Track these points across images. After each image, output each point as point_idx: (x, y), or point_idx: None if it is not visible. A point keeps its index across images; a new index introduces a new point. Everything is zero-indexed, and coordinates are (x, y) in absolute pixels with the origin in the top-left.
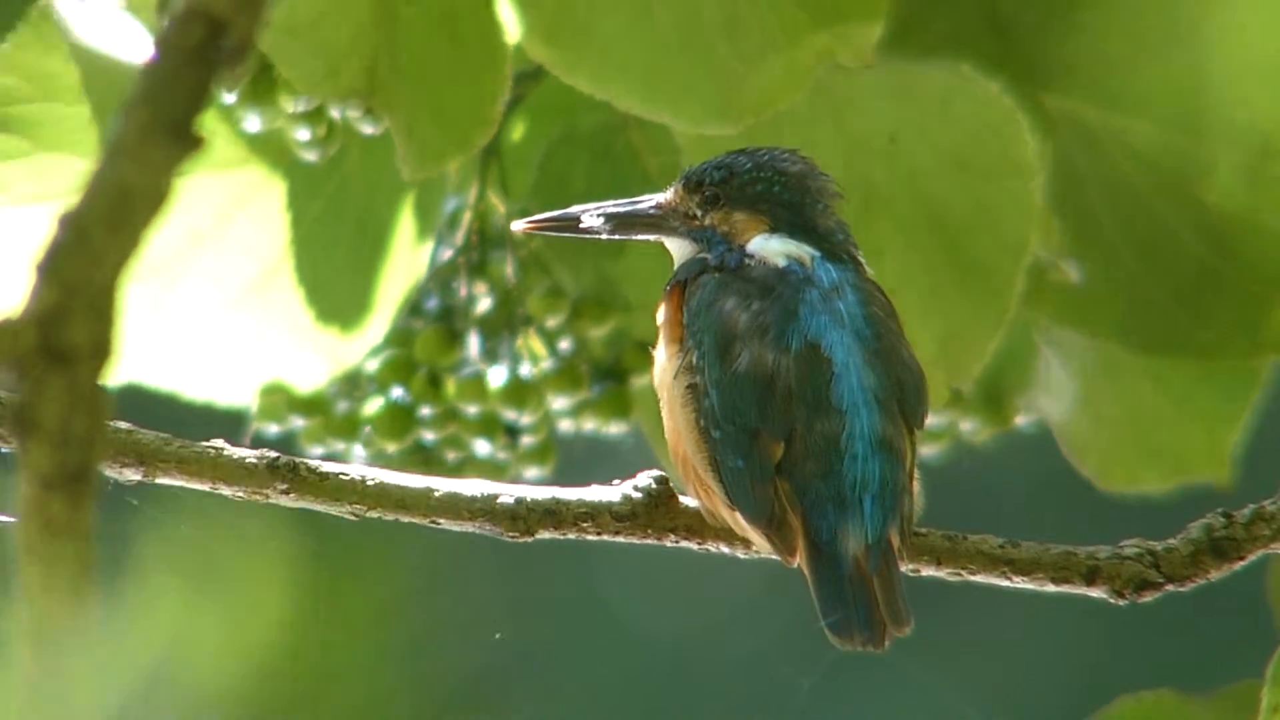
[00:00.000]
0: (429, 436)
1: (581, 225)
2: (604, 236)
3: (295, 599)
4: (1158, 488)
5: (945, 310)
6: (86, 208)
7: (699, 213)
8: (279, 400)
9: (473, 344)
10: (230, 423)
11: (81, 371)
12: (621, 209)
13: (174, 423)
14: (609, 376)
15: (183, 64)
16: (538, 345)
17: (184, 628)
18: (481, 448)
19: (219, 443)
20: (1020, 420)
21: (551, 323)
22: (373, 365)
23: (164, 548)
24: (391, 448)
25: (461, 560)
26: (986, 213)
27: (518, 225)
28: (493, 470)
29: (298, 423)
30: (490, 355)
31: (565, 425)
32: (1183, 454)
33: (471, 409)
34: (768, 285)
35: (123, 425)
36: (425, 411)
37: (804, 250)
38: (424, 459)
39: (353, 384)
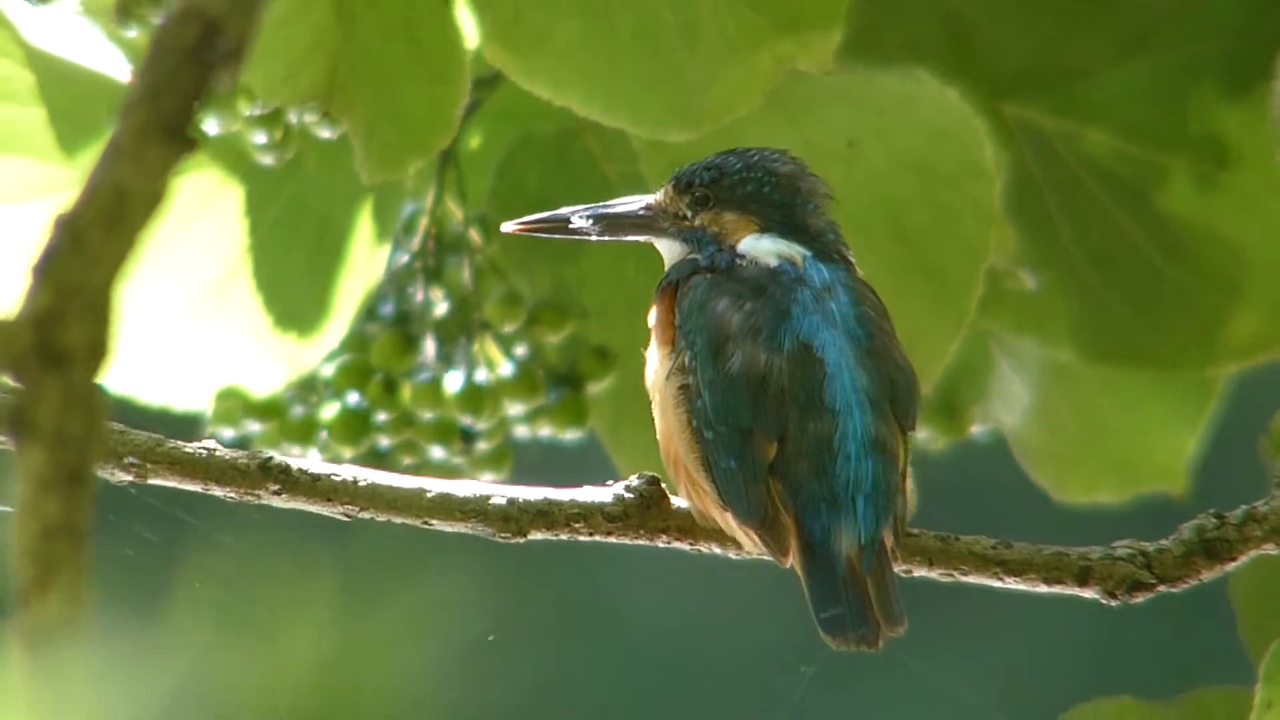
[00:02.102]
0: (385, 441)
1: (571, 226)
2: (593, 238)
3: (322, 622)
4: (1113, 498)
5: (905, 314)
6: (82, 209)
7: (689, 213)
8: (234, 404)
9: (429, 349)
10: (186, 426)
11: (78, 373)
12: (611, 210)
13: (146, 425)
14: (565, 382)
15: (178, 65)
16: (494, 351)
17: (212, 650)
18: (437, 453)
19: (211, 443)
20: (975, 430)
21: (508, 328)
22: (329, 370)
23: (195, 576)
24: (347, 452)
25: (473, 566)
26: (945, 217)
27: (507, 226)
28: (448, 475)
29: (253, 427)
30: (446, 361)
31: (521, 431)
32: (1138, 465)
33: (427, 414)
34: (760, 286)
35: (116, 426)
36: (381, 416)
37: (795, 250)
38: (380, 464)
39: (309, 388)
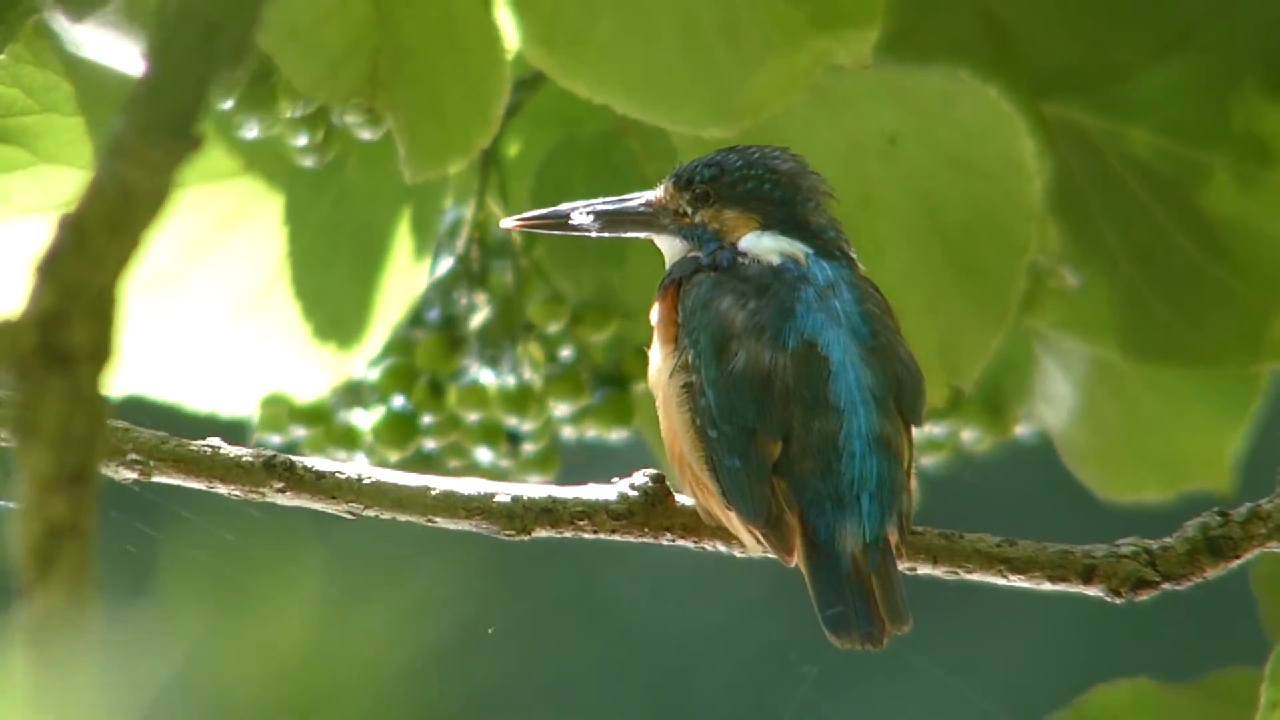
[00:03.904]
0: (431, 445)
1: (571, 223)
2: (593, 234)
3: (312, 611)
4: (1158, 496)
5: (946, 310)
6: (86, 209)
7: (689, 210)
8: (280, 411)
9: (474, 352)
10: (233, 431)
11: (82, 373)
12: (611, 206)
13: (173, 430)
14: (610, 382)
15: (181, 63)
16: (538, 352)
17: (204, 639)
18: (484, 455)
19: (215, 441)
20: (1020, 429)
21: (552, 329)
22: (374, 374)
23: (185, 562)
24: (394, 456)
25: (467, 561)
26: (986, 213)
27: (507, 222)
28: (496, 478)
29: (299, 433)
30: (491, 363)
31: (567, 432)
32: (1183, 462)
33: (473, 416)
34: (763, 284)
35: (120, 424)
36: (427, 419)
37: (797, 248)
38: (426, 467)
39: (354, 393)
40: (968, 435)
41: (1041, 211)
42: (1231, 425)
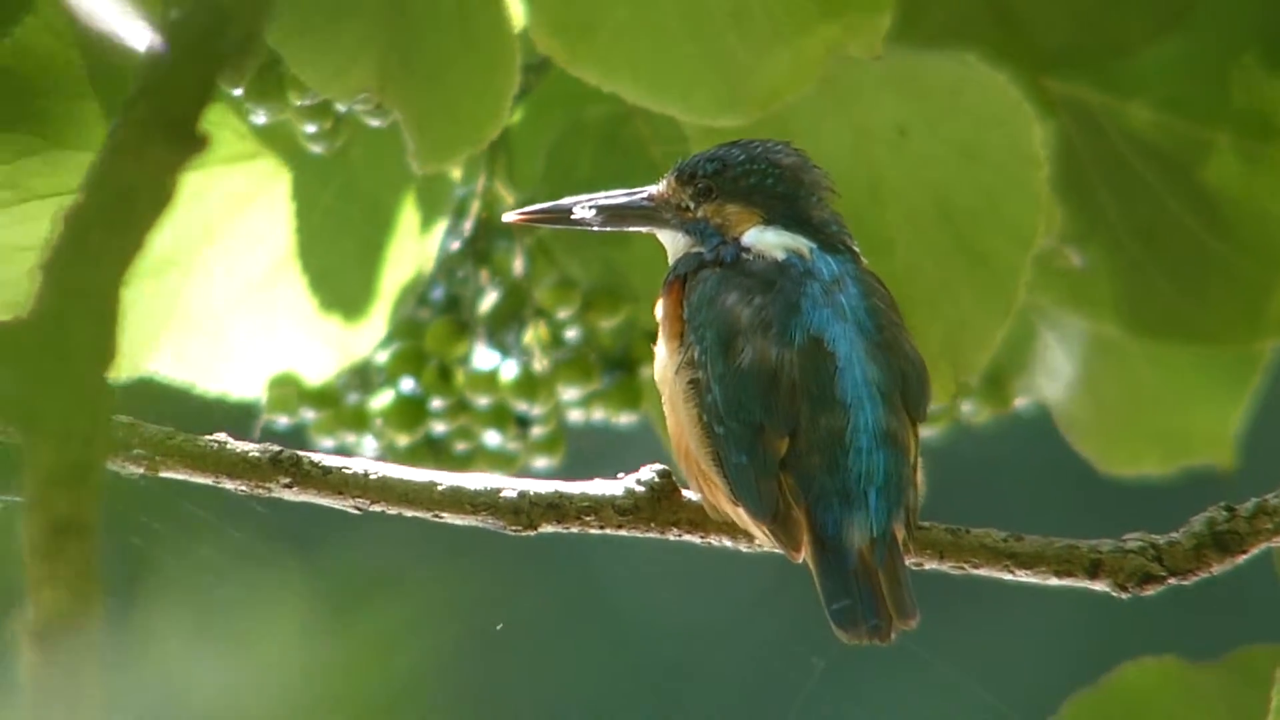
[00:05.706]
0: (439, 428)
1: (573, 217)
2: (595, 228)
3: (303, 628)
4: (1158, 470)
5: (953, 300)
6: (88, 207)
7: (692, 205)
8: (289, 392)
9: (481, 335)
10: (239, 416)
11: (84, 371)
12: (614, 201)
13: (179, 418)
14: (618, 367)
15: (186, 60)
16: (546, 336)
17: (192, 655)
18: (492, 439)
19: (222, 436)
20: (1019, 403)
21: (561, 314)
22: (383, 357)
23: (173, 579)
24: (403, 439)
25: (465, 556)
26: (994, 203)
27: (509, 216)
28: (503, 461)
29: (308, 415)
30: (499, 346)
31: (575, 415)
32: (1184, 437)
33: (482, 400)
34: (769, 279)
35: (125, 419)
36: (436, 403)
37: (800, 243)
38: (434, 450)
39: (363, 376)
40: (966, 408)
41: (1049, 199)
42: (1233, 400)
